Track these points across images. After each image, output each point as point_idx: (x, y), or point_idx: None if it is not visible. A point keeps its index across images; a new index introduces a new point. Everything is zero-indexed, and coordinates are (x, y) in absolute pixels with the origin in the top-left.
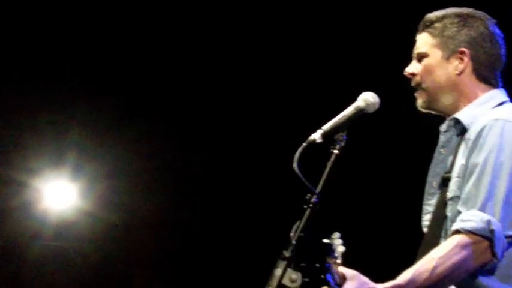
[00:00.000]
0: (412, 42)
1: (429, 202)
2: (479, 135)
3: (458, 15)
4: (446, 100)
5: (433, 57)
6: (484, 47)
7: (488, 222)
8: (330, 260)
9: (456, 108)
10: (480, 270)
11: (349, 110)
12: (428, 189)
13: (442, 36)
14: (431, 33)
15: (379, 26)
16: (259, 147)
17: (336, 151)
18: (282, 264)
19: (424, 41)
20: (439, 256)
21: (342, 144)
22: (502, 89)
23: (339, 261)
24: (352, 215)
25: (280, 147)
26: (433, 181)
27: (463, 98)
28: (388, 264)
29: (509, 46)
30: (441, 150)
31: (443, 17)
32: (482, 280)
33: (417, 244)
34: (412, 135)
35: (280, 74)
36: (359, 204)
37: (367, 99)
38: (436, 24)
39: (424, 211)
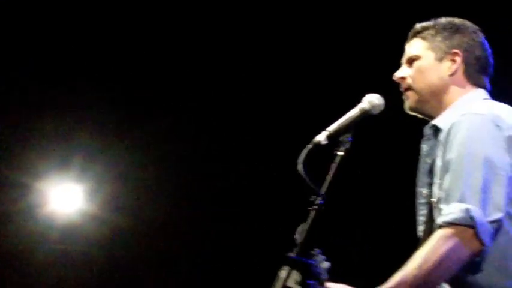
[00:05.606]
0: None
1: (421, 212)
2: (448, 133)
3: (450, 22)
4: (435, 102)
5: (425, 59)
6: (475, 52)
7: (467, 210)
8: (314, 279)
9: (442, 112)
10: (473, 265)
11: (354, 112)
12: (419, 199)
13: (434, 40)
14: (423, 38)
15: (383, 28)
16: (264, 149)
17: (340, 153)
18: (286, 266)
19: (415, 46)
20: (425, 252)
21: (347, 146)
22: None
23: (324, 277)
24: (355, 217)
25: (286, 149)
26: (422, 191)
27: (451, 100)
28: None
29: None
30: (426, 159)
31: (435, 24)
32: (477, 274)
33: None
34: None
35: (286, 77)
36: (361, 207)
37: (372, 100)
38: (428, 30)
39: (418, 222)
